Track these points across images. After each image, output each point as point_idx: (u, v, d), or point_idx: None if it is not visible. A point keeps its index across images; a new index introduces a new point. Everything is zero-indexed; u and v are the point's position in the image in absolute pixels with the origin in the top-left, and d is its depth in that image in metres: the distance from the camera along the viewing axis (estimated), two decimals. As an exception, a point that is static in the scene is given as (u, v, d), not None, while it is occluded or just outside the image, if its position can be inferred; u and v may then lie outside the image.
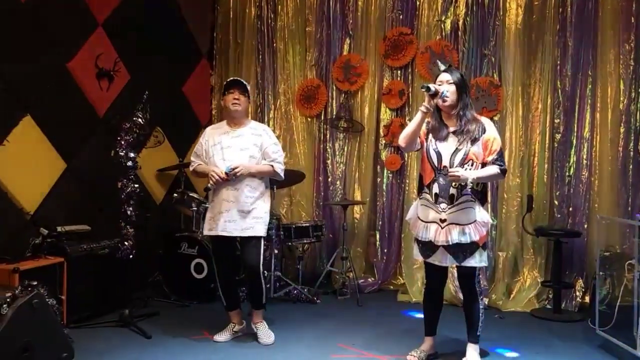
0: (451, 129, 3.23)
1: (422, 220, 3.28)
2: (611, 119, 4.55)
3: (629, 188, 4.52)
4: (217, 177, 3.60)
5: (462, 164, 3.13)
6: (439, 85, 3.20)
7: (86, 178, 4.47)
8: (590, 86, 4.65)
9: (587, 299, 4.60)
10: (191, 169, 3.91)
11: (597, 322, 3.70)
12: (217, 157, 3.72)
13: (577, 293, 4.64)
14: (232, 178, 3.62)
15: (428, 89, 3.12)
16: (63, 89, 4.29)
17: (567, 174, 4.76)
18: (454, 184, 3.14)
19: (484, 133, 3.17)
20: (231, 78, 4.00)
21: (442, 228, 3.18)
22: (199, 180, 5.66)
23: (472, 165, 3.13)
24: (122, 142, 3.91)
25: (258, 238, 3.75)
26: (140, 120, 3.94)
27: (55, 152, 4.23)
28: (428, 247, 3.26)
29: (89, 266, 4.05)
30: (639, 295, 3.25)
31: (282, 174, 3.83)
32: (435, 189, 3.20)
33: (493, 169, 3.15)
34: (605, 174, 4.58)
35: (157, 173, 5.24)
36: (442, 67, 3.30)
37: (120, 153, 3.90)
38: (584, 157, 4.69)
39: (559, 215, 4.76)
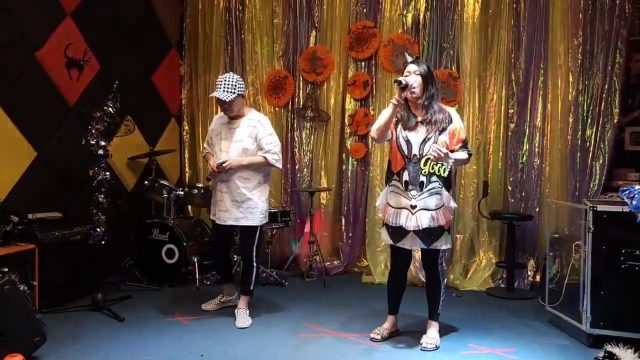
0: (419, 118, 3.27)
1: (392, 207, 3.32)
2: (561, 109, 4.67)
3: (577, 174, 4.66)
4: (210, 169, 3.70)
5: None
6: (407, 76, 3.24)
7: (57, 166, 4.41)
8: (542, 78, 4.75)
9: (537, 278, 4.73)
10: (201, 155, 3.98)
11: (547, 299, 3.82)
12: (217, 147, 3.80)
13: (529, 272, 4.78)
14: (223, 171, 3.67)
15: (400, 82, 3.17)
16: (32, 78, 4.21)
17: (520, 161, 4.85)
18: (423, 171, 3.19)
19: (451, 123, 3.24)
20: (214, 93, 3.70)
21: (412, 214, 3.22)
22: (169, 167, 5.78)
23: None
24: (93, 131, 3.90)
25: (252, 228, 3.76)
26: (110, 109, 3.92)
27: (25, 140, 4.17)
28: (398, 232, 3.30)
29: (61, 252, 4.02)
30: (585, 274, 3.35)
31: (277, 165, 3.78)
32: (405, 176, 3.24)
33: (464, 154, 3.26)
34: (556, 161, 4.70)
35: (128, 161, 5.19)
36: (409, 59, 3.34)
37: (91, 142, 3.88)
38: (536, 145, 4.80)
39: (512, 200, 4.86)
